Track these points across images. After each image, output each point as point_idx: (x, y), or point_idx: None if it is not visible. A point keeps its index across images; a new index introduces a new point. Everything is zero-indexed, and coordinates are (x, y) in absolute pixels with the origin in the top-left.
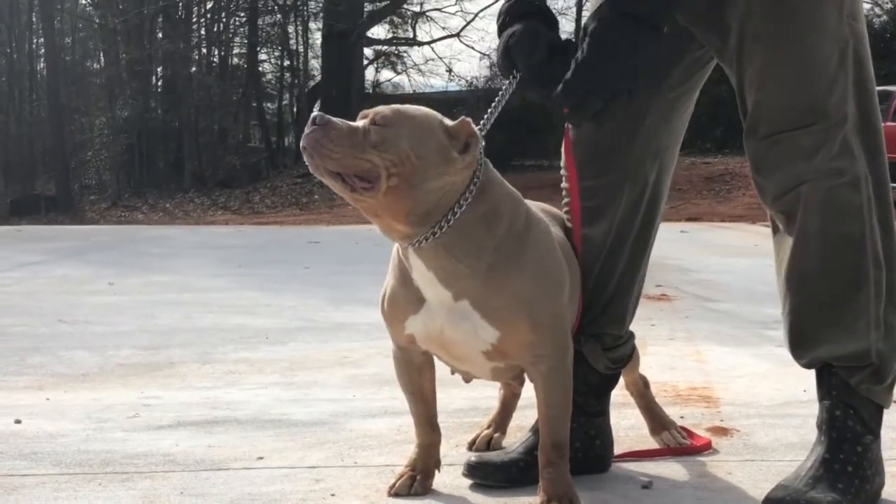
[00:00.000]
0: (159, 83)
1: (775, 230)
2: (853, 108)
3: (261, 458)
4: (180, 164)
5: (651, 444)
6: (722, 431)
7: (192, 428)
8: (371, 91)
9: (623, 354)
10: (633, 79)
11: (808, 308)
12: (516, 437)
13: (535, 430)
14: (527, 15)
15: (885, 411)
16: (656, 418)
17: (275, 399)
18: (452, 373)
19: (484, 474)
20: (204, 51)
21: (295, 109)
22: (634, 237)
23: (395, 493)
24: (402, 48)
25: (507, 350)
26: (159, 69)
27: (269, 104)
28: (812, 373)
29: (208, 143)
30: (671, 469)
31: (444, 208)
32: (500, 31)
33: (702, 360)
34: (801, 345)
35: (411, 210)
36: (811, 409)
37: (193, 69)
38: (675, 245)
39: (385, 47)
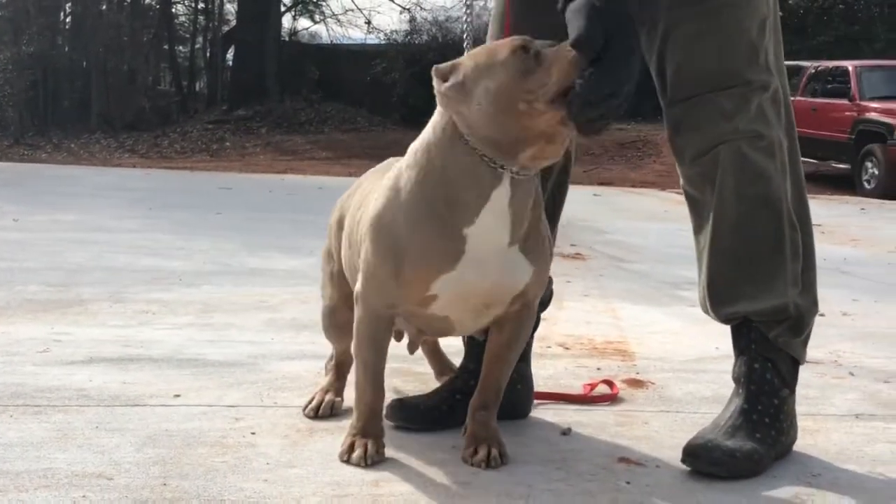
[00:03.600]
0: (68, 19)
1: (690, 192)
2: (768, 79)
3: (177, 395)
4: (87, 104)
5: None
6: (637, 384)
7: (106, 364)
8: (287, 39)
9: (546, 297)
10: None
11: (725, 265)
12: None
13: (459, 373)
14: None
15: (800, 368)
16: (443, 363)
17: (190, 339)
18: (412, 348)
19: (406, 417)
20: None
21: (208, 54)
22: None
23: (354, 464)
24: None
25: (528, 289)
26: (68, 5)
27: (181, 47)
28: (725, 331)
29: (117, 84)
30: (589, 417)
31: None
32: None
33: (616, 316)
34: (719, 300)
35: None
36: (724, 365)
37: (104, 7)
38: (588, 207)
39: None
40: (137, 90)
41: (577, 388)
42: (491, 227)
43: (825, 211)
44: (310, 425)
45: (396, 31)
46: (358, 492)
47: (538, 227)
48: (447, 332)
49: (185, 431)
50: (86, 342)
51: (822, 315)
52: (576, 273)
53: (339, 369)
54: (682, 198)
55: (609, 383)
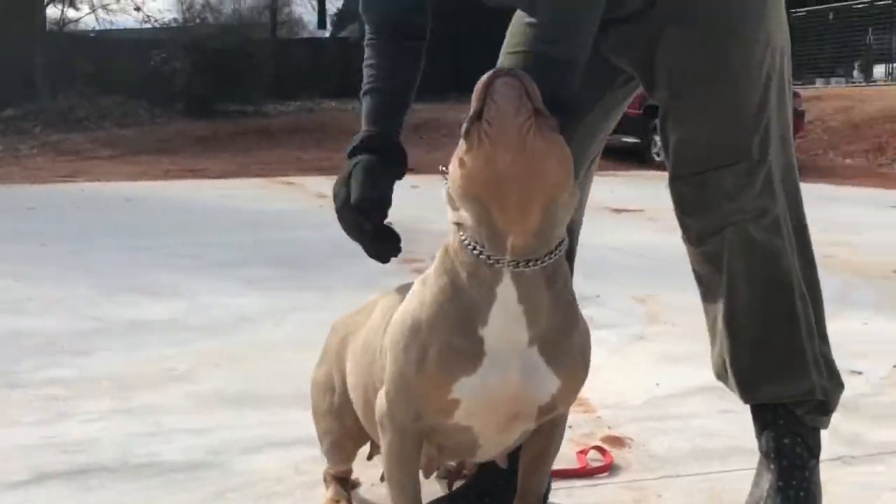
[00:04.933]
0: None
1: (697, 269)
2: (774, 146)
3: None
4: None
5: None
6: (617, 442)
7: (60, 482)
8: (54, 30)
9: None
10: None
11: (744, 348)
12: None
13: (485, 471)
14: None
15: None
16: None
17: (130, 435)
18: (428, 472)
19: None
20: None
21: None
22: None
23: None
24: None
25: (556, 402)
26: None
27: None
28: (650, 360)
29: None
30: (603, 495)
31: (560, 233)
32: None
33: None
34: (744, 383)
35: (545, 216)
36: (679, 409)
37: None
38: (419, 204)
39: None
40: None
41: (566, 454)
42: (504, 326)
43: (634, 192)
44: None
45: (176, 19)
46: None
47: (564, 326)
48: (470, 451)
49: None
50: (17, 451)
51: None
52: None
53: (342, 482)
54: None
55: (601, 450)
